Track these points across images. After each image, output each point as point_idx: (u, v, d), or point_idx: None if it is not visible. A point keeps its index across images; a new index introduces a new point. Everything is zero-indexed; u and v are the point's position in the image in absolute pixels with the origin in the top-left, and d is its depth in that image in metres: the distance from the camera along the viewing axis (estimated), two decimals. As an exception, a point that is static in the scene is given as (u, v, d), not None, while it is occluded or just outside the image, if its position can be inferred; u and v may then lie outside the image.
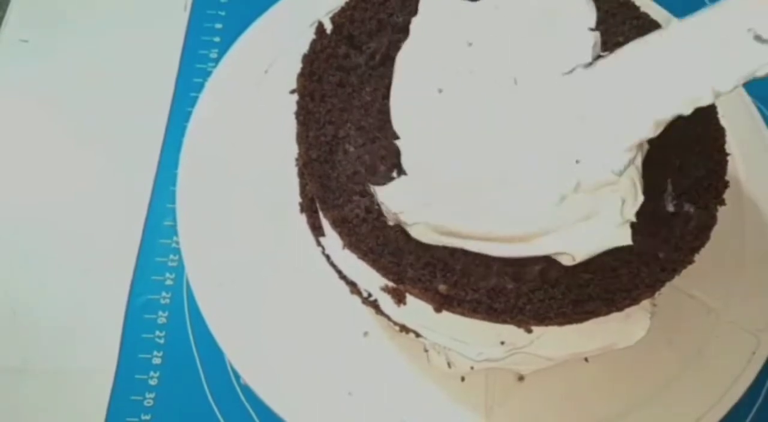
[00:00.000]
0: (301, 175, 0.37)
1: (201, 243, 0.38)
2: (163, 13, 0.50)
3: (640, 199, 0.29)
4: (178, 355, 0.39)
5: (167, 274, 0.41)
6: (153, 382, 0.39)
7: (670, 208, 0.31)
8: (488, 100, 0.31)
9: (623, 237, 0.29)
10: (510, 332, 0.32)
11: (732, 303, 0.38)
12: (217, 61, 0.45)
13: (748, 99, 0.43)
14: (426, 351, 0.36)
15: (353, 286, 0.35)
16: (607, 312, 0.30)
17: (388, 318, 0.34)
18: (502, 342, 0.33)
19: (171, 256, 0.42)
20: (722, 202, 0.32)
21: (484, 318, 0.30)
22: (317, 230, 0.36)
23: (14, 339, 0.40)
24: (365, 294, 0.34)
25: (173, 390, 0.39)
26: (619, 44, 0.34)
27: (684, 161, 0.32)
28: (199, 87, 0.43)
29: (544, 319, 0.29)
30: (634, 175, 0.29)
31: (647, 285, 0.30)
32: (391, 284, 0.32)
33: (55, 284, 0.41)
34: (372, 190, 0.30)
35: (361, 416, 0.35)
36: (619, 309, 0.30)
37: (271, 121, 0.40)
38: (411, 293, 0.31)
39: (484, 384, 0.36)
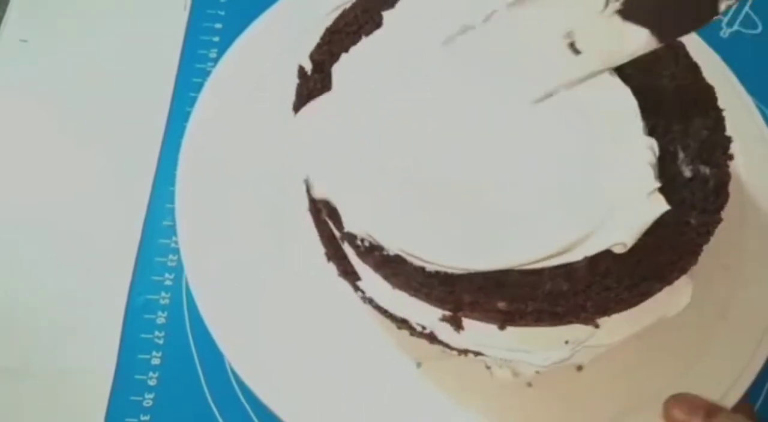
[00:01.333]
0: (319, 222, 0.36)
1: (200, 243, 0.38)
2: (163, 12, 0.50)
3: (656, 155, 0.30)
4: (177, 356, 0.39)
5: (166, 274, 0.41)
6: (152, 383, 0.39)
7: (688, 173, 0.32)
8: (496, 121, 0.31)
9: (660, 204, 0.29)
10: (573, 330, 0.32)
11: (734, 304, 0.38)
12: (216, 60, 0.45)
13: (748, 99, 0.43)
14: (488, 367, 0.36)
15: (403, 322, 0.34)
16: (660, 289, 0.30)
17: (447, 346, 0.34)
18: (567, 342, 0.33)
19: (170, 256, 0.42)
20: (731, 157, 0.32)
21: (550, 325, 0.30)
22: (351, 275, 0.35)
23: (13, 339, 0.40)
24: (419, 328, 0.33)
25: (172, 391, 0.39)
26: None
27: (685, 126, 0.32)
28: (199, 87, 0.42)
29: (606, 310, 0.29)
30: (651, 141, 0.30)
31: (690, 252, 0.30)
32: (448, 313, 0.31)
33: (55, 284, 0.41)
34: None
35: (362, 416, 0.35)
36: (670, 282, 0.30)
37: (270, 121, 0.40)
38: (470, 317, 0.30)
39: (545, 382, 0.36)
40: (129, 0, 0.50)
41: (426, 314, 0.32)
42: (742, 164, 0.40)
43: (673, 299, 0.33)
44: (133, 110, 0.46)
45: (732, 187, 0.33)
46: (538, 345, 0.32)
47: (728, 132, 0.33)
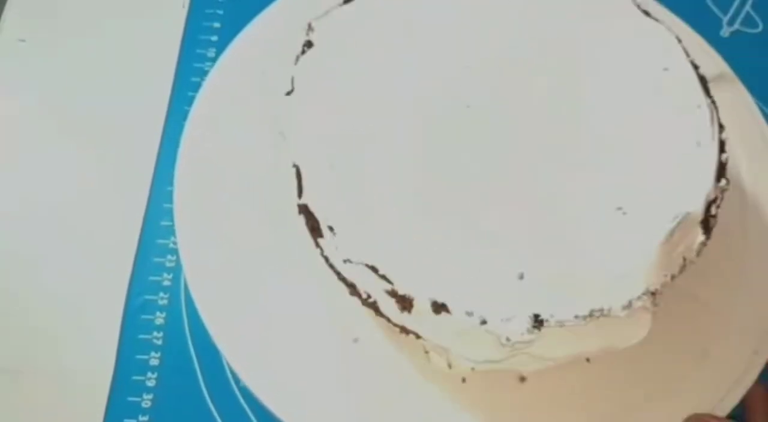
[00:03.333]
0: (297, 176, 0.37)
1: (199, 243, 0.38)
2: (161, 11, 0.50)
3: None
4: (175, 356, 0.39)
5: (165, 275, 0.41)
6: (150, 383, 0.39)
7: None
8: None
9: None
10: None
11: (734, 304, 0.38)
12: (214, 60, 0.45)
13: (749, 98, 0.43)
14: (426, 352, 0.36)
15: (353, 288, 0.35)
16: None
17: (388, 319, 0.34)
18: (504, 343, 0.33)
19: (168, 257, 0.42)
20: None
21: None
22: (315, 232, 0.35)
23: (12, 339, 0.40)
24: (365, 296, 0.34)
25: (171, 392, 0.38)
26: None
27: None
28: (197, 86, 0.42)
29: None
30: None
31: None
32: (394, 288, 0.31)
33: (53, 285, 0.41)
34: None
35: (361, 417, 0.35)
36: None
37: (269, 120, 0.40)
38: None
39: (484, 385, 0.36)
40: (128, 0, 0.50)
41: (372, 284, 0.32)
42: (743, 164, 0.40)
43: (627, 330, 0.32)
44: (131, 109, 0.46)
45: (732, 188, 0.32)
46: (474, 340, 0.31)
47: (729, 131, 0.33)
